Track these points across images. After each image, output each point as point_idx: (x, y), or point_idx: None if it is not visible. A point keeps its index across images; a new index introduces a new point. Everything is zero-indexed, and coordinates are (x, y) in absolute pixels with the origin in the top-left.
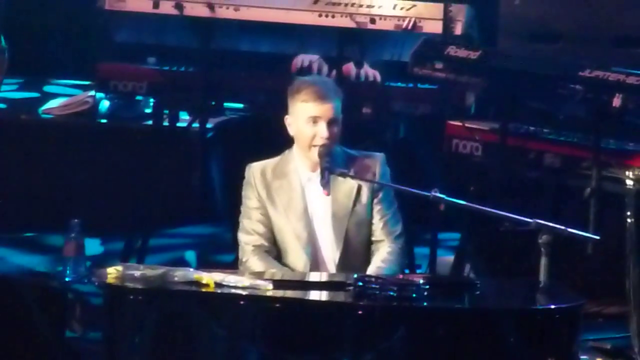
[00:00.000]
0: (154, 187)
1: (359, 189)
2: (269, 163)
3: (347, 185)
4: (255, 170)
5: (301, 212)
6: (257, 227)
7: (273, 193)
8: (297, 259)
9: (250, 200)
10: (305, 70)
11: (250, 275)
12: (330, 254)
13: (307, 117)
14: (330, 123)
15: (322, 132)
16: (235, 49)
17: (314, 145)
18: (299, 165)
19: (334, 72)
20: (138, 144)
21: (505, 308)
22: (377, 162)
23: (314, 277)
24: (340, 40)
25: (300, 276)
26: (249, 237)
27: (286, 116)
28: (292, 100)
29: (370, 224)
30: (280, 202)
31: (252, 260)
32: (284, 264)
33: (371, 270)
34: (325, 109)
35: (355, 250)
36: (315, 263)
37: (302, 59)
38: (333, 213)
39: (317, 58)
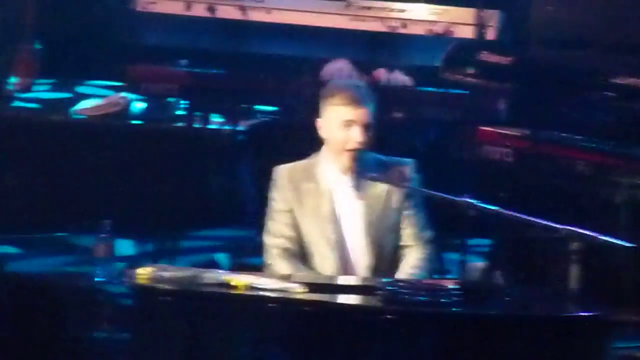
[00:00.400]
0: (185, 189)
1: (389, 193)
2: (296, 165)
3: (377, 190)
4: (283, 172)
5: (330, 215)
6: (283, 230)
7: (301, 195)
8: (324, 262)
9: (277, 202)
10: (337, 77)
11: (280, 278)
12: (361, 258)
13: (341, 121)
14: (364, 127)
15: (356, 136)
16: (266, 51)
17: (347, 150)
18: (329, 168)
19: (365, 77)
20: (169, 146)
21: (534, 315)
22: (407, 169)
23: (342, 280)
24: (372, 45)
25: (329, 279)
26: (275, 240)
27: (318, 119)
28: (325, 103)
29: (399, 229)
30: (308, 204)
31: (278, 263)
32: (311, 268)
33: (400, 275)
34: (359, 113)
35: (385, 256)
36: (344, 267)
37: (333, 65)
38: (364, 217)
39: (347, 62)
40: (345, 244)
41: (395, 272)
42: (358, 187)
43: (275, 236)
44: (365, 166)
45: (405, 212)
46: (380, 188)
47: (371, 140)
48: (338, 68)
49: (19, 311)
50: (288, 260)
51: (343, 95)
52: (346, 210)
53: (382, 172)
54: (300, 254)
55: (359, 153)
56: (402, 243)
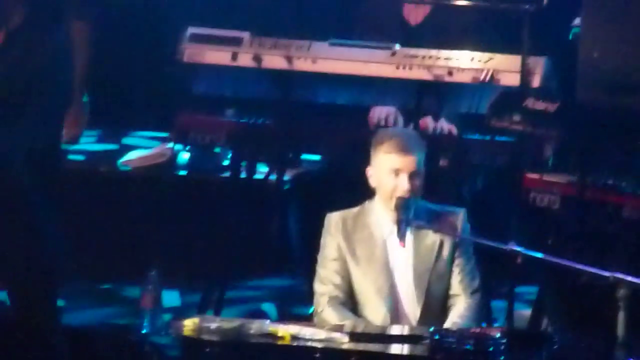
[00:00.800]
0: (231, 239)
1: (441, 244)
2: (349, 213)
3: (429, 240)
4: (335, 220)
5: (382, 265)
6: (333, 278)
7: (354, 244)
8: (375, 312)
9: (329, 249)
10: (383, 125)
11: (326, 328)
12: (411, 308)
13: (389, 169)
14: (412, 175)
15: (403, 184)
16: (312, 100)
17: (396, 197)
18: (380, 217)
19: (411, 125)
20: (216, 196)
21: None
22: (458, 217)
23: (392, 330)
24: (418, 93)
25: (378, 329)
26: (324, 287)
27: (368, 167)
28: (374, 151)
29: (449, 279)
30: (361, 254)
31: (327, 311)
32: (360, 316)
33: (448, 325)
34: (407, 161)
35: (436, 305)
36: (396, 317)
37: (379, 113)
38: (415, 267)
39: (393, 110)
40: (398, 294)
41: (444, 322)
42: (404, 235)
43: (325, 284)
44: (415, 214)
45: (455, 262)
46: (432, 238)
47: (420, 188)
48: (385, 113)
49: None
50: (337, 309)
51: (392, 142)
52: (399, 260)
53: (432, 220)
54: (349, 303)
55: (405, 201)
56: (451, 292)
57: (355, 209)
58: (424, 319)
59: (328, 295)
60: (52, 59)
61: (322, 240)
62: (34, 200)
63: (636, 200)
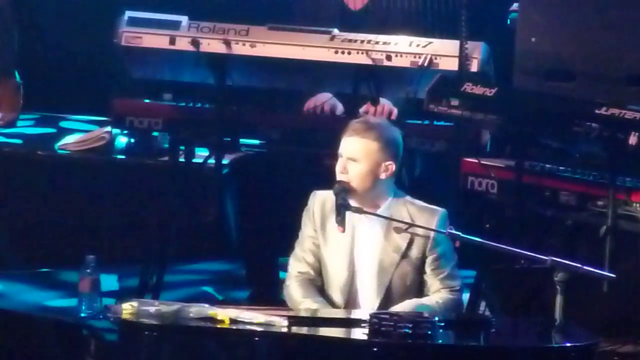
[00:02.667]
0: (169, 223)
1: (410, 243)
2: (331, 195)
3: (398, 238)
4: (317, 199)
5: (347, 252)
6: (306, 256)
7: (327, 225)
8: (334, 296)
9: (307, 227)
10: (318, 112)
11: (265, 312)
12: (368, 301)
13: (338, 153)
14: (349, 160)
15: (339, 167)
16: (250, 85)
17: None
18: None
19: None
20: (154, 180)
21: (520, 346)
22: (435, 217)
23: (330, 314)
24: (357, 77)
25: (324, 313)
26: (297, 263)
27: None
28: None
29: (416, 280)
30: (329, 237)
31: (293, 285)
32: (327, 296)
33: (411, 302)
34: (346, 144)
35: (395, 303)
36: (352, 305)
37: (314, 103)
38: (379, 262)
39: (330, 98)
40: (356, 283)
41: None
42: (343, 220)
43: (298, 260)
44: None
45: (433, 264)
46: (402, 237)
47: (361, 175)
48: (321, 101)
49: (3, 346)
50: (303, 285)
51: (349, 127)
52: (364, 250)
53: (406, 215)
54: (319, 281)
55: (343, 185)
56: (428, 293)
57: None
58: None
59: (298, 271)
60: None
61: (303, 218)
62: None
63: (572, 184)
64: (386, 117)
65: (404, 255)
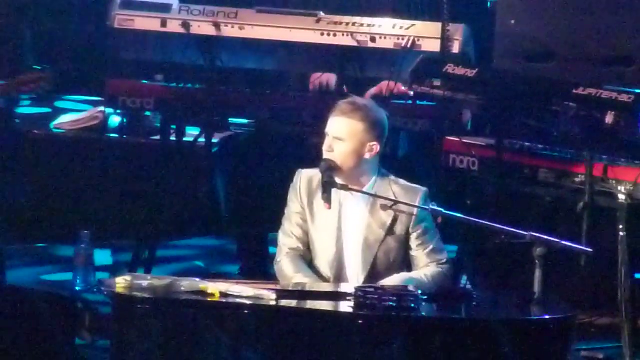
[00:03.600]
0: (161, 200)
1: (395, 220)
2: (315, 173)
3: (383, 215)
4: (303, 177)
5: (334, 229)
6: (295, 230)
7: (314, 203)
8: (324, 269)
9: (294, 203)
10: (324, 89)
11: (254, 286)
12: (354, 276)
13: (325, 132)
14: (334, 139)
15: (325, 145)
16: (239, 66)
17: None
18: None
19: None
20: (146, 158)
21: (500, 319)
22: (417, 195)
23: (325, 288)
24: (342, 59)
25: (311, 287)
26: (286, 238)
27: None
28: None
29: (400, 256)
30: (317, 214)
31: (284, 261)
32: (316, 270)
33: (398, 276)
34: (332, 123)
35: (380, 278)
36: (339, 279)
37: (320, 80)
38: (365, 238)
39: (333, 76)
40: (344, 258)
41: None
42: (329, 197)
43: (287, 235)
44: (373, 184)
45: (419, 240)
46: (387, 214)
47: (345, 154)
48: (326, 77)
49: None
50: (293, 261)
51: (335, 108)
52: (350, 227)
53: (390, 193)
54: (309, 255)
55: (328, 163)
56: (417, 269)
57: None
58: None
59: (288, 247)
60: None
61: (289, 195)
62: None
63: (551, 162)
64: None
65: (389, 231)
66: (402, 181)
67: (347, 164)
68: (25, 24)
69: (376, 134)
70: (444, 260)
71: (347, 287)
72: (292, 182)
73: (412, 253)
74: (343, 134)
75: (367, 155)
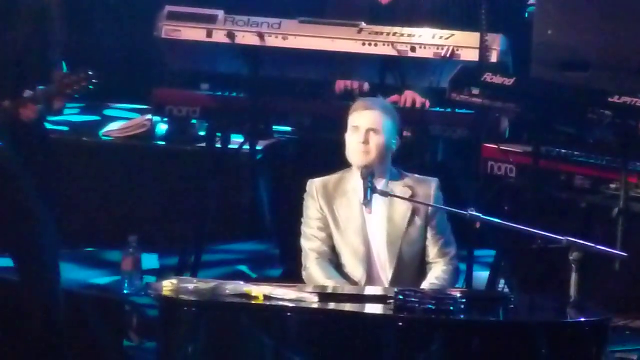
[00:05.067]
0: (207, 206)
1: (414, 211)
2: (330, 179)
3: (403, 207)
4: (317, 184)
5: (359, 228)
6: (317, 234)
7: (334, 208)
8: (354, 271)
9: (311, 210)
10: (349, 91)
11: (297, 289)
12: (384, 271)
13: (351, 127)
14: (370, 131)
15: (359, 137)
16: (283, 75)
17: (357, 158)
18: (357, 184)
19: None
20: (192, 165)
21: (537, 322)
22: (432, 187)
23: (364, 291)
24: (382, 68)
25: (351, 290)
26: (310, 243)
27: (345, 134)
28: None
29: (422, 245)
30: (340, 218)
31: (313, 267)
32: (343, 274)
33: (425, 286)
34: (364, 117)
35: (407, 270)
36: (371, 278)
37: (344, 83)
38: (388, 233)
39: (357, 82)
40: (373, 256)
41: (418, 286)
42: (370, 202)
43: (310, 240)
44: (389, 182)
45: (431, 232)
46: (405, 205)
47: (380, 147)
48: (350, 83)
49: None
50: (323, 267)
51: (357, 104)
52: (374, 224)
53: (405, 188)
54: (335, 259)
55: (370, 169)
56: (428, 260)
57: (336, 175)
58: (395, 282)
59: (316, 252)
60: (33, 31)
61: (305, 204)
62: (25, 174)
63: (587, 169)
64: (411, 105)
65: (409, 223)
66: (412, 175)
67: (382, 157)
68: (71, 30)
69: (398, 130)
70: (453, 254)
71: (386, 290)
72: (306, 192)
73: (425, 244)
74: (378, 125)
75: (394, 150)
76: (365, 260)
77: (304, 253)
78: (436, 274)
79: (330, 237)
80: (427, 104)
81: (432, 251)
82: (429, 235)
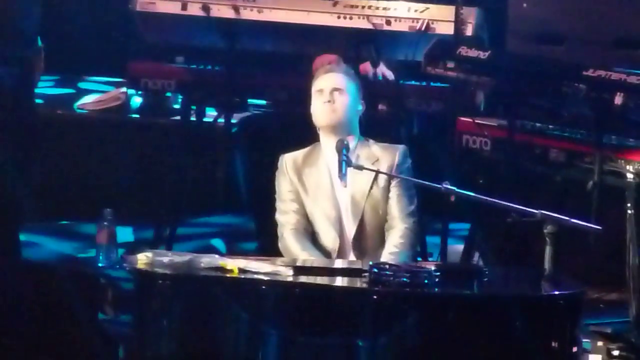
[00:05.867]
0: (181, 179)
1: (376, 176)
2: (299, 153)
3: (366, 172)
4: (287, 159)
5: (329, 193)
6: (291, 206)
7: (304, 178)
8: (327, 237)
9: (283, 185)
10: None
11: (272, 262)
12: (349, 229)
13: (315, 92)
14: (333, 91)
15: (324, 98)
16: (258, 48)
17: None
18: (327, 154)
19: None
20: (167, 138)
21: (511, 294)
22: (396, 153)
23: (337, 264)
24: (358, 41)
25: (324, 263)
26: (285, 216)
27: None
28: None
29: (384, 205)
30: (310, 186)
31: (288, 238)
32: (318, 243)
33: (385, 255)
34: (327, 79)
35: (370, 231)
36: (343, 241)
37: (322, 61)
38: (352, 195)
39: (335, 58)
40: (343, 220)
41: (379, 249)
42: (345, 175)
43: (285, 213)
44: (357, 151)
45: (393, 190)
46: (370, 171)
47: (345, 106)
48: (328, 60)
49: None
50: (297, 237)
51: (320, 70)
52: (342, 188)
53: (371, 155)
54: (310, 228)
55: (343, 143)
56: (388, 216)
57: (305, 150)
58: (357, 245)
59: (290, 223)
60: (11, 5)
61: (276, 181)
62: None
63: (561, 142)
64: (386, 78)
65: (372, 185)
66: (378, 143)
67: (347, 116)
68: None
69: (361, 94)
70: (411, 211)
71: (361, 263)
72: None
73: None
74: (342, 85)
75: (359, 112)
76: (337, 225)
77: (279, 225)
78: (394, 241)
79: (303, 207)
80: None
81: (391, 207)
82: (391, 193)
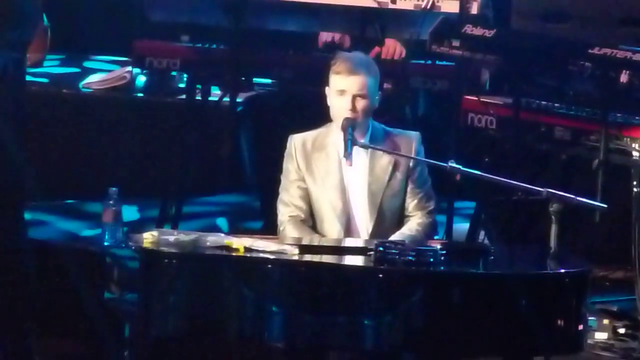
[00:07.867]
0: (187, 158)
1: (396, 164)
2: (309, 135)
3: (384, 160)
4: (296, 141)
5: (337, 182)
6: (294, 200)
7: (312, 164)
8: (331, 227)
9: (290, 172)
10: (330, 44)
11: (278, 241)
12: (364, 223)
13: (336, 90)
14: (357, 97)
15: (346, 104)
16: (263, 27)
17: (343, 118)
18: (337, 137)
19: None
20: (172, 117)
21: (517, 273)
22: (413, 141)
23: (345, 243)
24: (362, 19)
25: (329, 242)
26: (286, 208)
27: (326, 87)
28: (330, 72)
29: (403, 199)
30: (318, 172)
31: (288, 228)
32: (319, 233)
33: (395, 236)
34: (350, 82)
35: (388, 222)
36: (348, 232)
37: (326, 35)
38: (369, 185)
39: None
40: (351, 210)
41: None
42: (350, 154)
43: (287, 205)
44: (371, 136)
45: (410, 185)
46: (388, 158)
47: (367, 110)
48: (331, 35)
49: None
50: (297, 226)
51: (341, 64)
52: (353, 178)
53: (388, 143)
54: (310, 221)
55: (350, 121)
56: (406, 213)
57: (316, 131)
58: (376, 234)
59: (289, 215)
60: None
61: (284, 164)
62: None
63: (567, 120)
64: (396, 56)
65: (391, 176)
66: (392, 129)
67: (366, 119)
68: None
69: (380, 85)
70: (431, 208)
71: (367, 242)
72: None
73: (405, 197)
74: (364, 89)
75: (376, 107)
76: (343, 216)
77: (279, 217)
78: (409, 226)
79: (306, 201)
80: (403, 53)
81: (411, 204)
82: (409, 188)
